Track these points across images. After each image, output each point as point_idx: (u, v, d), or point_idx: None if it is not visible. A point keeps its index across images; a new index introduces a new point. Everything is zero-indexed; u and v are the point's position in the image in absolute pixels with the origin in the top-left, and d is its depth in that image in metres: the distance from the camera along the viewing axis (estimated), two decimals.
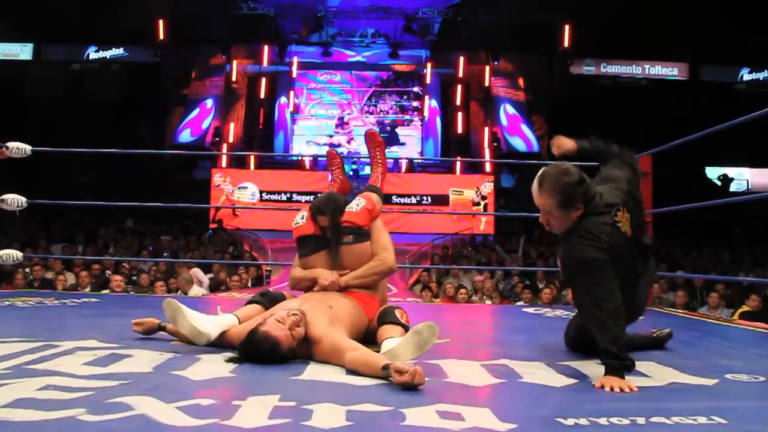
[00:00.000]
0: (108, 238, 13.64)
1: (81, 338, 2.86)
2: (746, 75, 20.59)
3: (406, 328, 2.78)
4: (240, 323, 2.79)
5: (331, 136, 20.47)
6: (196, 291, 8.43)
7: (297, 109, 20.59)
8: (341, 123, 20.64)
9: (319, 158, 18.81)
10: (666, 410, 1.89)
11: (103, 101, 17.78)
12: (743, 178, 20.59)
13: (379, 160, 3.70)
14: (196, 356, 2.55)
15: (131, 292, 8.21)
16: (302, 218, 3.29)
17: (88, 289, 7.95)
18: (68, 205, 9.04)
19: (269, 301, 2.95)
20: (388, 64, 20.45)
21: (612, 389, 2.16)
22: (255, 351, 2.45)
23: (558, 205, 2.46)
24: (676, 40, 18.38)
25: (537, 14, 18.42)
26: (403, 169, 18.31)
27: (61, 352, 2.56)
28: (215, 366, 2.37)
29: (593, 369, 2.47)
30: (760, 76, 20.47)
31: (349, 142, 20.16)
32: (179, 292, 8.32)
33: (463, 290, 8.76)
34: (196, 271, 9.02)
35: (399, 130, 20.68)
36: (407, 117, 20.81)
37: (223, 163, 18.11)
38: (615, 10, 16.94)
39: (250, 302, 3.01)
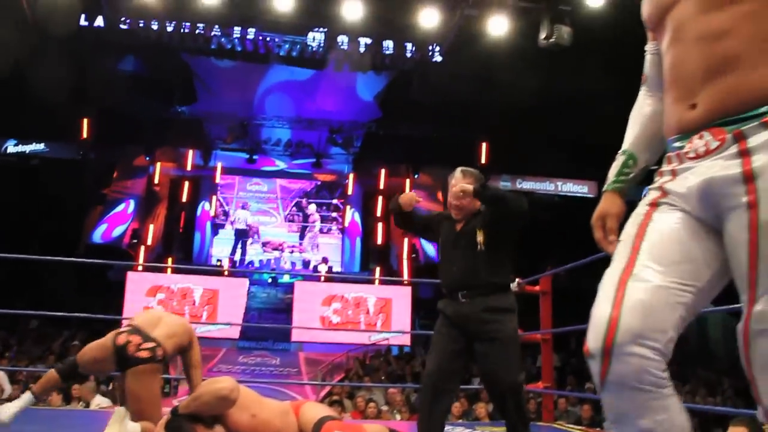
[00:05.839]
0: (8, 342, 13.08)
1: None
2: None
3: None
4: None
5: (249, 243, 20.44)
6: (99, 401, 8.12)
7: (218, 215, 20.59)
8: (258, 232, 20.61)
9: (237, 263, 18.78)
10: None
11: (20, 197, 17.43)
12: None
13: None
14: None
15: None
16: None
17: None
18: None
19: None
20: (311, 173, 20.85)
21: None
22: None
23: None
24: (585, 160, 19.46)
25: (456, 131, 19.25)
26: (323, 278, 18.40)
27: None
28: None
29: None
30: None
31: (271, 250, 20.20)
32: (80, 402, 8.00)
33: (372, 404, 8.72)
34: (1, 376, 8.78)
35: (320, 239, 20.87)
36: (329, 226, 21.07)
37: (140, 267, 17.78)
38: (530, 131, 17.94)
39: None
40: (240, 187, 20.89)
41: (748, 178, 1.42)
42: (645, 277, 1.49)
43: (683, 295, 1.49)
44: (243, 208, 20.64)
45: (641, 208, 1.64)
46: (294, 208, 21.06)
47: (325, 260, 19.61)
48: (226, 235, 20.59)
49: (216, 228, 20.56)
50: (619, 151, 1.88)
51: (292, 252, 20.41)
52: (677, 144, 1.60)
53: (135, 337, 3.41)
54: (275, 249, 20.26)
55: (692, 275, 1.50)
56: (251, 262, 19.66)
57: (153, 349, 3.37)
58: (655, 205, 1.62)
